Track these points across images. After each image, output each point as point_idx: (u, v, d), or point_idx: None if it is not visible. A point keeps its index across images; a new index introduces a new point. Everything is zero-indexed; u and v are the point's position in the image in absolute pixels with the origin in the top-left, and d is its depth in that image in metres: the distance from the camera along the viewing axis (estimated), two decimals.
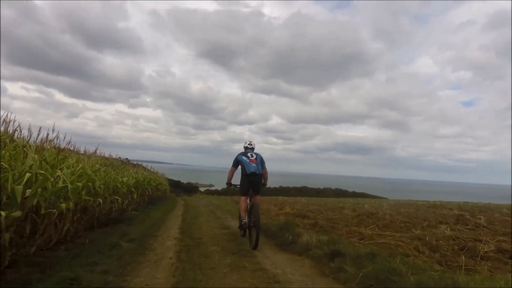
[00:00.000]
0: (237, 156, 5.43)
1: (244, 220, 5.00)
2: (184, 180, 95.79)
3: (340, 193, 68.32)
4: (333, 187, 79.10)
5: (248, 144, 5.58)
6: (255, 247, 4.53)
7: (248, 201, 5.15)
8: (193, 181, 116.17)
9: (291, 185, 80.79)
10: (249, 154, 5.35)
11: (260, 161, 5.34)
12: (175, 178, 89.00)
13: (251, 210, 4.99)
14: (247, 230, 5.15)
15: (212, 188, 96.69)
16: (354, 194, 65.73)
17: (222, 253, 4.33)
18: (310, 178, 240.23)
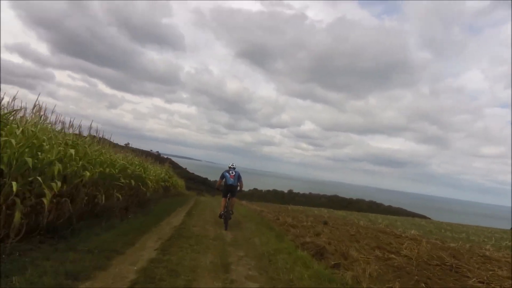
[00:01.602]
0: (223, 172, 8.69)
1: (222, 212, 8.22)
2: (212, 178, 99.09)
3: (373, 206, 66.55)
4: (366, 199, 76.78)
5: (231, 165, 8.74)
6: (226, 228, 7.88)
7: (226, 200, 8.30)
8: None
9: (321, 192, 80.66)
10: (230, 172, 8.56)
11: (238, 176, 8.55)
12: (203, 175, 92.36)
13: (228, 206, 8.24)
14: (223, 218, 8.17)
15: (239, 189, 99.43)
16: (390, 210, 63.59)
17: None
18: (340, 187, 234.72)
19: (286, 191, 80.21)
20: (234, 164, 8.74)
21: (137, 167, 9.19)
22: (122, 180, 7.11)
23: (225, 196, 8.40)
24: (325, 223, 11.70)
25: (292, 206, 33.32)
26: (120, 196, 6.95)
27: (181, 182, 26.12)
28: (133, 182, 8.18)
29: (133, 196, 9.04)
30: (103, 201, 6.21)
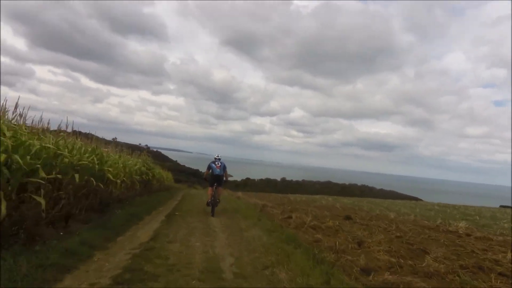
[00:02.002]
0: (209, 163, 9.03)
1: (209, 200, 8.55)
2: (203, 169, 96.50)
3: (366, 190, 65.61)
4: (358, 183, 76.12)
5: (217, 156, 9.11)
6: (212, 215, 8.16)
7: (213, 189, 8.53)
8: None
9: (314, 179, 79.13)
10: (216, 163, 8.87)
11: (223, 167, 8.88)
12: (194, 167, 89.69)
13: (214, 195, 8.49)
14: (211, 205, 8.51)
15: (231, 179, 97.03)
16: (383, 193, 62.52)
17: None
18: (331, 172, 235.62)
19: (279, 179, 78.21)
20: (219, 155, 9.16)
21: (86, 155, 6.16)
22: (43, 175, 4.14)
23: (211, 185, 8.68)
24: (348, 218, 9.09)
25: (292, 195, 30.95)
26: (42, 200, 4.02)
27: (167, 175, 23.08)
28: (77, 177, 5.24)
29: (84, 198, 6.12)
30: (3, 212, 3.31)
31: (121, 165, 8.62)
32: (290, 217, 8.03)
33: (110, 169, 7.24)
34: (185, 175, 71.01)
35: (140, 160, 12.19)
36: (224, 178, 8.91)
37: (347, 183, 76.58)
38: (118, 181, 7.94)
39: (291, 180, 77.68)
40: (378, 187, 73.09)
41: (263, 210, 10.02)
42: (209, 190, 8.62)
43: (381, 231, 6.96)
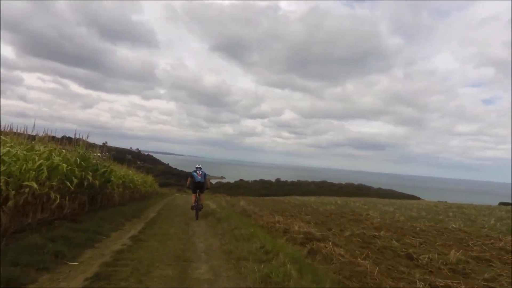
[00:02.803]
0: (192, 172, 9.82)
1: (193, 204, 9.39)
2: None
3: (363, 190, 63.66)
4: (355, 183, 73.99)
5: (198, 166, 9.94)
6: (196, 218, 9.06)
7: (197, 196, 9.36)
8: None
9: (309, 179, 77.01)
10: (198, 171, 9.68)
11: (204, 175, 9.72)
12: (186, 170, 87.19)
13: (198, 201, 9.34)
14: (195, 209, 9.31)
15: (224, 181, 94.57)
16: (381, 192, 60.62)
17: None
18: (325, 172, 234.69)
19: (273, 180, 76.09)
20: (200, 165, 10.04)
21: None
22: None
23: (194, 192, 9.45)
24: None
25: (290, 198, 29.02)
26: None
27: (146, 179, 18.96)
28: None
29: None
30: None
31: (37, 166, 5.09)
32: (312, 250, 5.36)
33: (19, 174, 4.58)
34: (176, 178, 69.05)
35: (78, 155, 7.20)
36: (206, 186, 9.92)
37: (343, 182, 74.64)
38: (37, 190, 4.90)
39: (286, 181, 75.64)
40: (375, 186, 71.27)
41: (258, 222, 8.12)
42: (193, 196, 9.55)
43: None
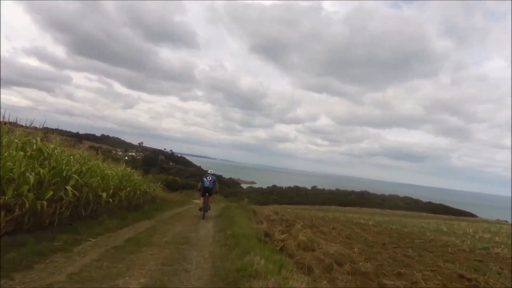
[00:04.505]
0: (202, 177, 11.22)
1: (201, 206, 10.76)
2: (227, 175, 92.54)
3: (411, 203, 57.54)
4: (399, 194, 67.52)
5: (210, 172, 11.38)
6: (203, 218, 10.38)
7: (205, 198, 10.72)
8: (235, 177, 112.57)
9: (348, 189, 71.79)
10: (208, 177, 11.03)
11: (213, 181, 11.02)
12: (217, 173, 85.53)
13: (206, 202, 10.73)
14: (202, 210, 10.70)
15: (255, 186, 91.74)
16: (431, 207, 54.01)
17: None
18: (359, 182, 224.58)
19: (309, 187, 71.71)
20: (212, 171, 11.44)
21: None
22: None
23: (203, 195, 10.78)
24: None
25: (339, 210, 25.00)
26: None
27: (131, 173, 11.23)
28: None
29: None
30: None
31: None
32: None
33: None
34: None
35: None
36: (214, 190, 11.16)
37: (386, 193, 68.21)
38: None
39: (323, 189, 70.88)
40: (423, 200, 64.14)
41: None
42: (201, 199, 10.90)
43: None
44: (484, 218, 64.09)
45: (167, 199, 16.52)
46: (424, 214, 55.67)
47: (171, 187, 36.72)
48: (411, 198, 64.48)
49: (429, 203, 60.71)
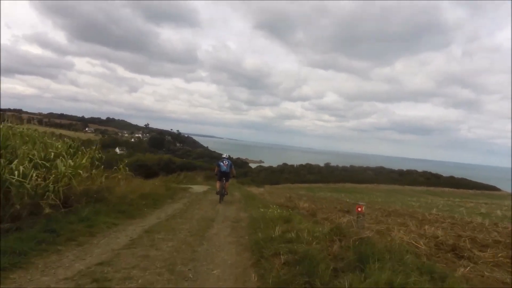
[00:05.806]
0: (218, 161, 10.99)
1: (218, 190, 10.61)
2: (234, 155, 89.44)
3: (432, 178, 54.00)
4: (419, 170, 63.29)
5: (225, 155, 11.51)
6: (220, 202, 10.14)
7: (222, 183, 10.58)
8: (243, 156, 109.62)
9: (364, 165, 68.15)
10: (224, 161, 10.84)
11: (230, 165, 10.80)
12: (225, 153, 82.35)
13: (223, 186, 10.58)
14: (220, 194, 10.52)
15: (264, 165, 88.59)
16: (453, 182, 50.54)
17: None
18: (371, 159, 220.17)
19: (322, 164, 68.26)
20: (227, 155, 11.74)
21: None
22: None
23: (220, 180, 10.58)
24: None
25: (357, 190, 21.59)
26: None
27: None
28: None
29: None
30: None
31: None
32: None
33: None
34: (215, 161, 63.72)
35: None
36: (231, 175, 11.03)
37: (404, 169, 64.23)
38: None
39: (337, 166, 67.38)
40: (444, 174, 60.04)
41: None
42: (218, 183, 10.69)
43: None
44: (508, 191, 60.19)
45: (136, 191, 8.07)
46: (447, 189, 51.79)
47: (167, 168, 33.28)
48: (430, 173, 60.44)
49: (451, 177, 56.69)
